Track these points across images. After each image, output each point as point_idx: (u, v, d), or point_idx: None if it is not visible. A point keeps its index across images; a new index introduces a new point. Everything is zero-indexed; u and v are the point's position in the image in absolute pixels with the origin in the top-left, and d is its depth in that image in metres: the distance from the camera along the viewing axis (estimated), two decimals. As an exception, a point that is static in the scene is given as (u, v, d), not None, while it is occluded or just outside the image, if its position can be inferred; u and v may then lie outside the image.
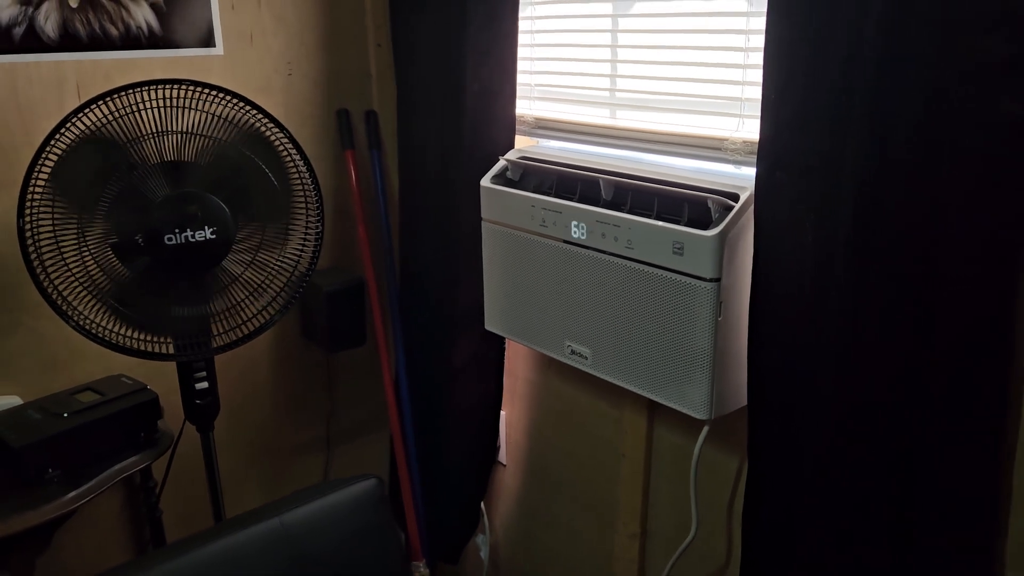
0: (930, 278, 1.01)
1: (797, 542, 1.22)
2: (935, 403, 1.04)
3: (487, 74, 1.61)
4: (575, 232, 1.41)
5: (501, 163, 1.59)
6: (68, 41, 1.53)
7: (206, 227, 1.33)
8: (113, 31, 1.57)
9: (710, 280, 1.22)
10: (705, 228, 1.23)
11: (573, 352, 1.48)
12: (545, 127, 1.62)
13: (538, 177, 1.54)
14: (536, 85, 1.64)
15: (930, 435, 1.05)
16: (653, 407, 1.55)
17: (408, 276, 1.95)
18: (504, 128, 1.62)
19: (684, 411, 1.31)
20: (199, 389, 1.53)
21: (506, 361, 1.86)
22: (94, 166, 1.28)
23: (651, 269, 1.30)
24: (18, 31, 1.48)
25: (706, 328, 1.25)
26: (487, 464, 1.98)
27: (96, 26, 1.55)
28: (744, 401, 1.31)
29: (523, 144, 1.67)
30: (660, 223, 1.28)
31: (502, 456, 2.00)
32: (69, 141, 1.26)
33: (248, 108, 1.39)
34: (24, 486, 1.44)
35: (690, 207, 1.28)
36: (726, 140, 1.30)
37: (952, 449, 1.04)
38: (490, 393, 1.85)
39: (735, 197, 1.23)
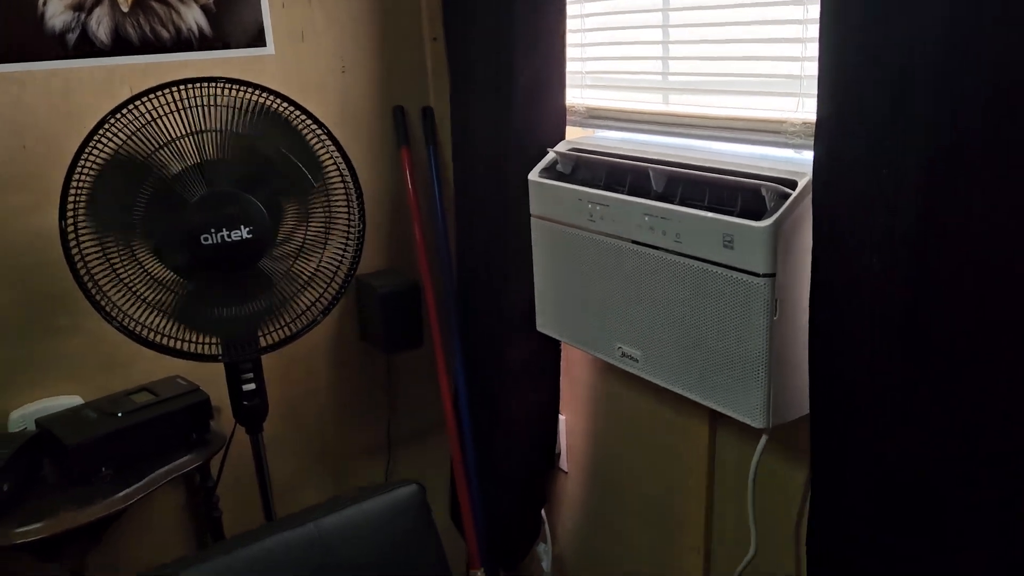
0: (1005, 271, 0.88)
1: (867, 560, 1.10)
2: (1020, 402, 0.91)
3: (536, 64, 1.54)
4: (624, 226, 1.32)
5: (550, 155, 1.52)
6: (120, 45, 1.55)
7: (242, 226, 1.31)
8: (164, 34, 1.58)
9: (763, 275, 1.12)
10: (758, 219, 1.12)
11: (624, 355, 1.39)
12: (597, 116, 1.54)
13: (588, 169, 1.46)
14: (587, 73, 1.56)
15: (1018, 435, 0.92)
16: (716, 415, 1.45)
17: (464, 276, 1.90)
18: (554, 119, 1.55)
19: (740, 419, 1.21)
20: (246, 391, 1.52)
21: (564, 364, 1.79)
22: (131, 168, 1.28)
23: (700, 264, 1.20)
24: (71, 37, 1.50)
25: (760, 328, 1.14)
26: (546, 471, 1.91)
27: (147, 29, 1.57)
28: (807, 408, 1.19)
29: (575, 135, 1.59)
30: (708, 214, 1.18)
31: (563, 463, 1.92)
32: (106, 145, 1.27)
33: (287, 105, 1.37)
34: (76, 484, 1.46)
35: (744, 197, 1.18)
36: (784, 122, 1.19)
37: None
38: (546, 397, 1.78)
39: (792, 184, 1.12)
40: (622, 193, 1.34)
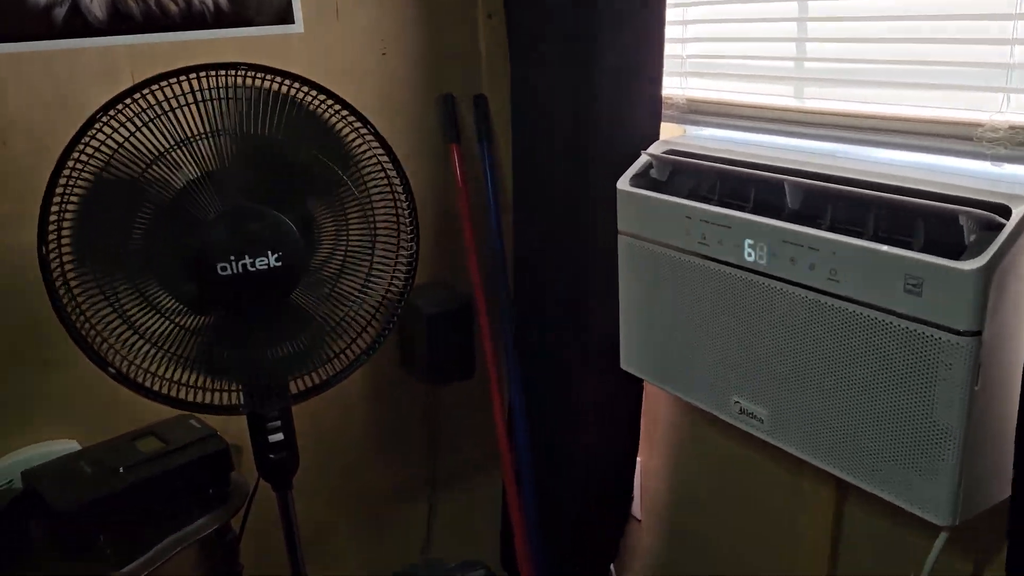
0: None
1: None
2: None
3: (625, 44, 1.25)
4: (750, 254, 1.04)
5: (643, 159, 1.24)
6: (119, 22, 1.28)
7: (269, 252, 1.04)
8: (172, 8, 1.31)
9: (966, 333, 0.84)
10: (956, 256, 0.84)
11: (743, 411, 1.11)
12: (701, 111, 1.25)
13: (693, 178, 1.18)
14: (689, 57, 1.27)
15: None
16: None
17: (524, 295, 1.62)
18: (647, 114, 1.26)
19: (914, 511, 0.93)
20: (273, 442, 1.26)
21: (644, 398, 1.51)
22: (128, 179, 1.01)
23: (868, 312, 0.92)
24: (59, 12, 1.23)
25: (955, 400, 0.86)
26: (619, 519, 1.65)
27: (152, 3, 1.29)
28: (1000, 497, 0.92)
29: (671, 134, 1.31)
30: (884, 247, 0.90)
31: (636, 509, 1.65)
32: (97, 150, 1.00)
33: (323, 99, 1.09)
34: (69, 556, 1.20)
35: (928, 224, 0.89)
36: (981, 125, 0.90)
37: None
38: (624, 443, 1.51)
39: (1004, 211, 0.84)
40: (745, 211, 1.06)
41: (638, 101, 1.26)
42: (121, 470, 1.27)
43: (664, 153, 1.22)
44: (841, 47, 1.06)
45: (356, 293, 1.17)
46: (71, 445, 1.38)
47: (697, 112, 1.25)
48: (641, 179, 1.23)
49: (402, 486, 1.80)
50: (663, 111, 1.27)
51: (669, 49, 1.24)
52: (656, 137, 1.27)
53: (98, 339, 1.07)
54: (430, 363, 1.58)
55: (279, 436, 1.27)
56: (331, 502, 1.70)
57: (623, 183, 1.23)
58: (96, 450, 1.33)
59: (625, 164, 1.25)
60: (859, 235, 0.94)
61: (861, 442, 0.97)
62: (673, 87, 1.29)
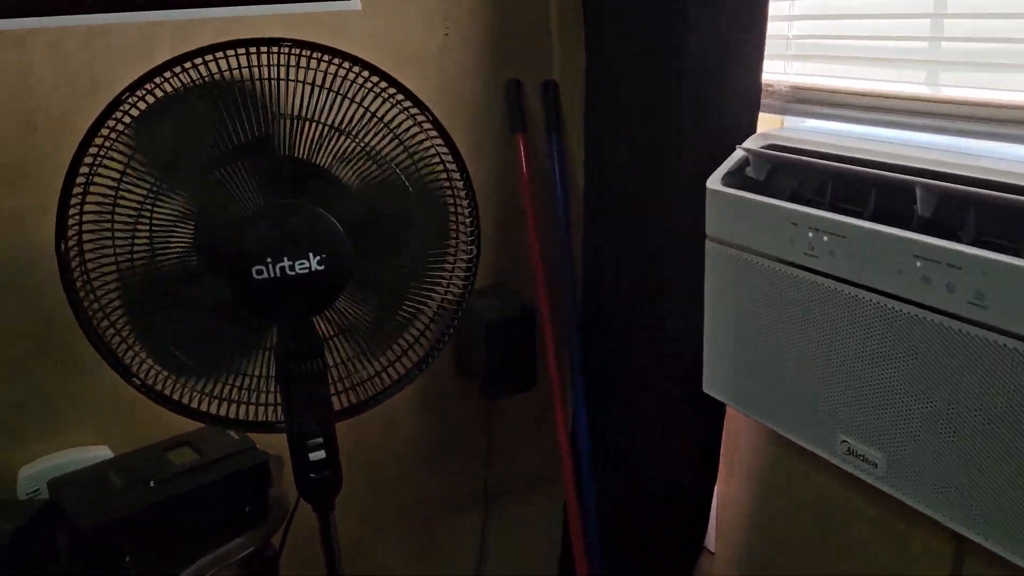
0: None
1: None
2: None
3: (720, 22, 1.09)
4: (872, 270, 0.88)
5: (738, 154, 1.08)
6: (160, -5, 1.17)
7: (311, 254, 0.92)
8: (218, -20, 1.20)
9: None
10: None
11: (852, 452, 0.95)
12: (808, 100, 1.09)
13: (796, 177, 1.02)
14: (796, 37, 1.11)
15: None
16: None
17: (594, 302, 1.47)
18: (743, 102, 1.10)
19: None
20: (314, 460, 1.14)
21: (725, 421, 1.36)
22: (159, 164, 0.90)
23: (1021, 346, 0.75)
24: (95, -17, 1.13)
25: None
26: (691, 550, 1.49)
27: (196, -26, 1.18)
28: None
29: (767, 126, 1.15)
30: (1055, 270, 0.73)
31: (710, 541, 1.50)
32: (121, 135, 0.89)
33: (375, 80, 0.96)
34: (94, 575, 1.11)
35: (1110, 242, 0.72)
36: None
37: None
38: (698, 465, 1.36)
39: None
40: (863, 218, 0.90)
41: (733, 87, 1.10)
42: (152, 483, 1.16)
43: (763, 148, 1.06)
44: (987, 24, 0.88)
45: (406, 302, 1.04)
46: (103, 452, 1.29)
47: (803, 101, 1.09)
48: (735, 177, 1.07)
49: (453, 501, 1.67)
50: (763, 100, 1.11)
51: (772, 28, 1.07)
52: (753, 129, 1.11)
53: (122, 346, 0.96)
54: (488, 373, 1.45)
55: (320, 454, 1.15)
56: (377, 517, 1.59)
57: (714, 181, 1.07)
58: (126, 460, 1.23)
59: (716, 160, 1.09)
60: (1012, 252, 0.77)
61: (999, 498, 0.80)
62: (775, 71, 1.12)
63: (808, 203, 0.96)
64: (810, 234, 0.94)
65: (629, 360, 1.38)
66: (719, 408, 1.30)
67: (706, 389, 1.18)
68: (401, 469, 1.58)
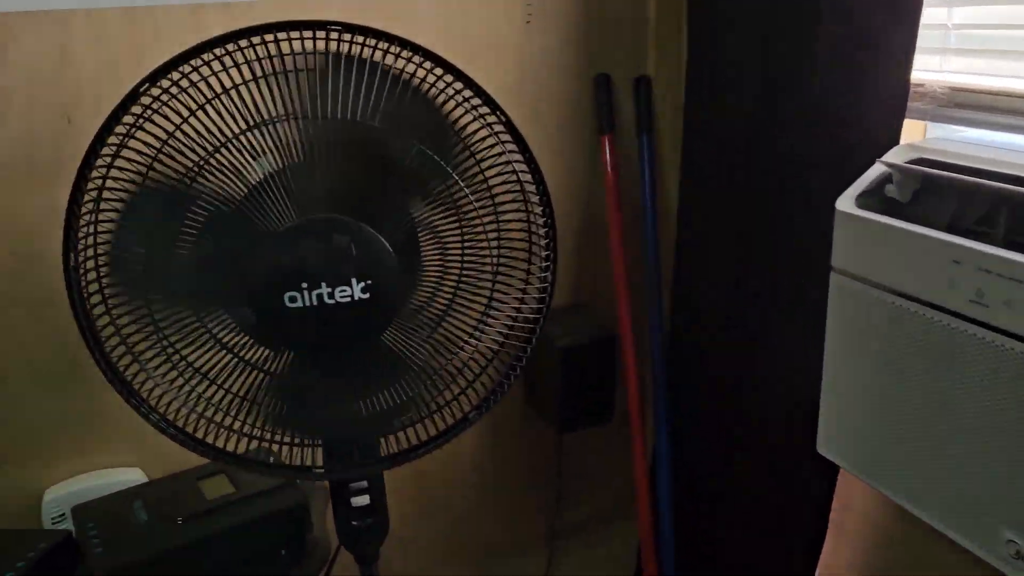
0: None
1: None
2: None
3: (857, 7, 0.89)
4: (1066, 330, 0.67)
5: (878, 169, 0.88)
6: (209, -28, 1.04)
7: (354, 280, 0.77)
8: (272, -44, 1.06)
9: None
10: None
11: (1021, 555, 0.75)
12: (969, 105, 0.88)
13: (955, 200, 0.82)
14: (956, 26, 0.90)
15: None
16: None
17: (684, 332, 1.29)
18: (886, 105, 0.90)
19: None
20: (357, 506, 1.00)
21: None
22: (177, 177, 0.76)
23: None
24: (135, -43, 1.00)
25: None
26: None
27: (248, -51, 1.05)
28: None
29: (914, 137, 0.95)
30: None
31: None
32: (134, 131, 0.75)
33: (439, 72, 0.80)
34: (110, 625, 0.99)
35: None
36: None
37: None
38: (802, 529, 1.16)
39: None
40: (1052, 259, 0.69)
41: (874, 87, 0.90)
42: (179, 521, 1.04)
43: (910, 162, 0.86)
44: None
45: (470, 333, 0.88)
46: (134, 475, 1.18)
47: (966, 106, 0.88)
48: (872, 198, 0.87)
49: (515, 541, 1.52)
50: (909, 103, 0.91)
51: (927, 16, 0.87)
52: (895, 139, 0.91)
53: (140, 375, 0.83)
54: (563, 404, 1.28)
55: (364, 499, 1.00)
56: (430, 555, 1.44)
57: (846, 202, 0.88)
58: (156, 489, 1.11)
59: (848, 175, 0.90)
60: None
61: None
62: (927, 68, 0.92)
63: (974, 236, 0.76)
64: (979, 277, 0.74)
65: (723, 400, 1.19)
66: (832, 468, 1.10)
67: (821, 450, 0.98)
68: (459, 504, 1.43)
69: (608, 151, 1.31)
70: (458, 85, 0.81)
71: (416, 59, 0.80)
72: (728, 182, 1.14)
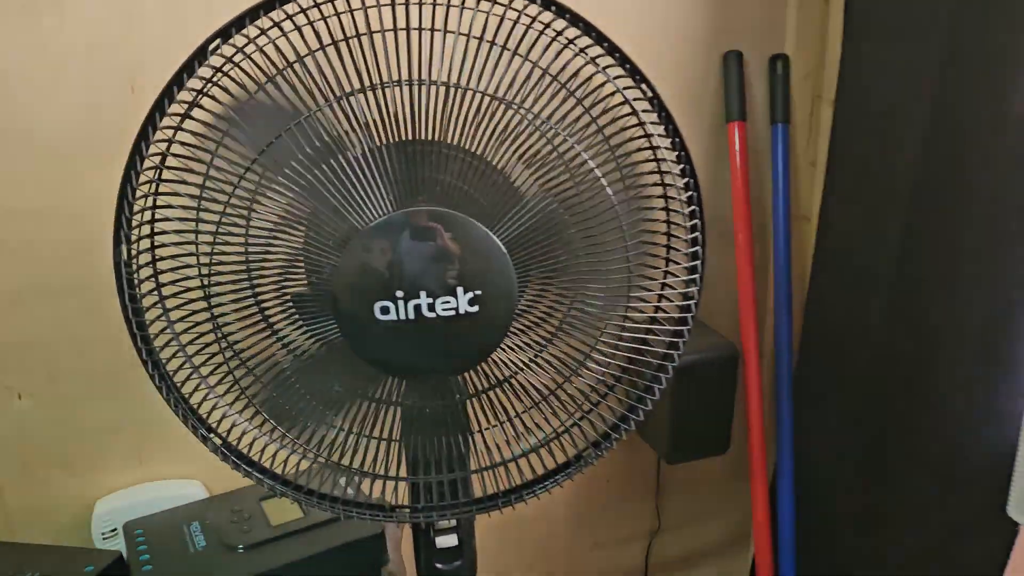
0: None
1: None
2: None
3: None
4: None
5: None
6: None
7: (460, 289, 0.62)
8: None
9: None
10: None
11: None
12: None
13: None
14: None
15: None
16: None
17: (817, 353, 1.11)
18: None
19: None
20: (443, 547, 0.86)
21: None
22: (256, 146, 0.62)
23: None
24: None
25: None
26: None
27: None
28: None
29: None
30: None
31: None
32: (198, 98, 0.62)
33: (574, 34, 0.64)
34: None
35: None
36: None
37: None
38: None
39: None
40: None
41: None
42: (240, 549, 0.92)
43: None
44: None
45: (593, 354, 0.72)
46: (193, 489, 1.07)
47: None
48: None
49: (609, 570, 1.36)
50: None
51: None
52: None
53: (200, 388, 0.70)
54: (674, 432, 1.12)
55: (451, 540, 0.86)
56: (515, 585, 1.30)
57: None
58: (215, 508, 0.99)
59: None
60: None
61: None
62: None
63: None
64: None
65: (866, 439, 1.01)
66: (1013, 526, 0.91)
67: (1012, 513, 0.80)
68: (552, 534, 1.28)
69: (737, 142, 1.13)
70: (597, 50, 0.65)
71: (543, 16, 0.64)
72: (886, 182, 0.95)
